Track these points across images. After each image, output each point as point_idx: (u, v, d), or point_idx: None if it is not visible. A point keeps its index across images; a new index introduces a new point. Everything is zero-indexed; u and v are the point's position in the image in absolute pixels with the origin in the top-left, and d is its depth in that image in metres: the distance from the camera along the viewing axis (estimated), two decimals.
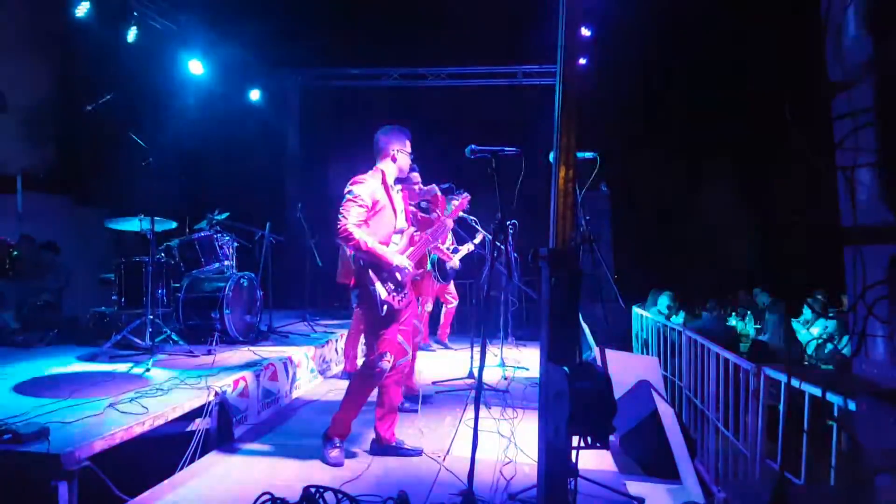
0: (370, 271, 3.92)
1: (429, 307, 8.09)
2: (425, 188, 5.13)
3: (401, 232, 4.16)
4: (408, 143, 4.19)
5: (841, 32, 1.79)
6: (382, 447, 4.20)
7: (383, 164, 4.13)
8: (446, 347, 8.15)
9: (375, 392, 4.19)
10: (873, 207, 1.79)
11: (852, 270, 1.89)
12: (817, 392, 3.27)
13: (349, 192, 3.93)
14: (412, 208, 5.07)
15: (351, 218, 3.85)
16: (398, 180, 4.22)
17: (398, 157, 4.13)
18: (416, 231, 4.37)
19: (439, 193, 5.13)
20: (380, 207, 3.99)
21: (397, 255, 4.01)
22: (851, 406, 2.14)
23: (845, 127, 1.80)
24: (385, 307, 3.92)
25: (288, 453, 4.21)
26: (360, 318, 5.67)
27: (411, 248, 4.19)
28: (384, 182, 4.07)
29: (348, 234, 3.81)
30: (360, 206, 3.89)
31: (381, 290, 3.90)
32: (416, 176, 5.19)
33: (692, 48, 10.38)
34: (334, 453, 4.03)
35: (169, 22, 8.45)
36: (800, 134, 1.75)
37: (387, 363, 4.00)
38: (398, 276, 3.98)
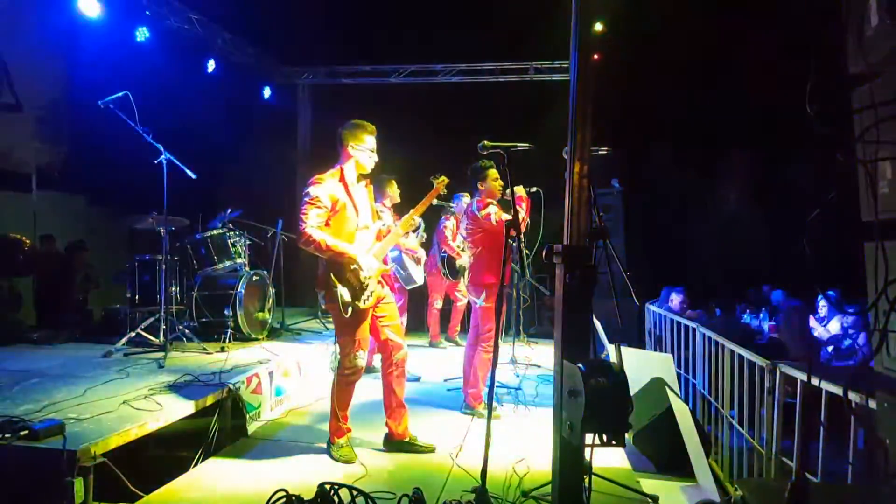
0: (332, 274, 3.86)
1: (438, 304, 8.09)
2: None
3: (365, 229, 4.07)
4: (367, 139, 4.03)
5: (863, 23, 1.76)
6: (395, 442, 4.21)
7: (343, 161, 4.03)
8: (456, 344, 8.14)
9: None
10: (895, 201, 1.76)
11: (873, 266, 1.85)
12: (835, 389, 3.23)
13: (306, 194, 3.85)
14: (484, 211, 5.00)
15: (309, 221, 3.78)
16: (364, 176, 4.14)
17: (354, 153, 4.01)
18: (384, 226, 4.31)
19: (524, 194, 5.04)
20: (339, 207, 3.91)
21: (362, 252, 3.94)
22: (871, 404, 2.10)
23: (867, 120, 1.76)
24: (350, 309, 3.87)
25: (302, 450, 4.22)
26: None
27: (378, 244, 4.12)
28: (342, 180, 3.97)
29: (308, 237, 3.76)
30: (319, 207, 3.82)
31: (342, 293, 3.85)
32: (493, 172, 5.06)
33: (707, 42, 10.29)
34: (343, 451, 4.04)
35: (180, 20, 8.48)
36: (820, 127, 1.72)
37: (361, 361, 4.00)
38: (361, 275, 3.91)
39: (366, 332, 4.04)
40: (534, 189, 4.99)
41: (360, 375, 4.09)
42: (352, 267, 3.88)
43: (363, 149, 4.03)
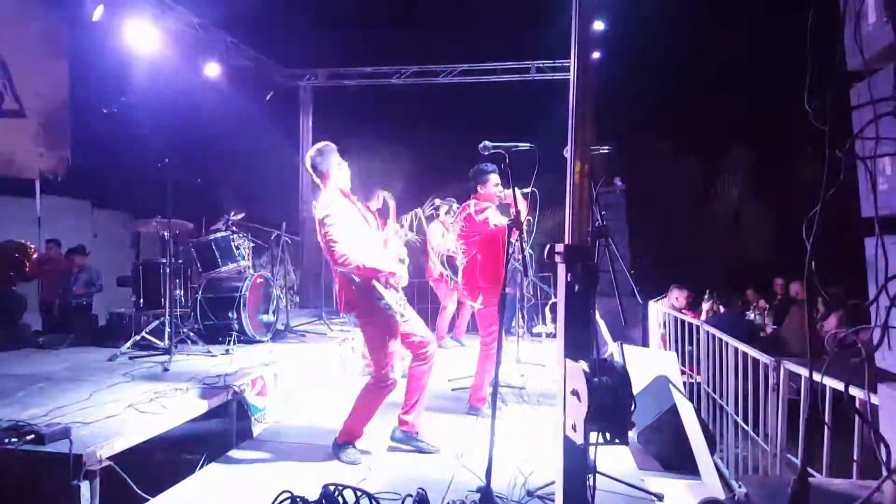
0: (376, 285, 3.89)
1: (451, 308, 8.07)
2: (505, 191, 5.01)
3: (376, 240, 4.12)
4: (338, 155, 4.12)
5: (860, 19, 1.76)
6: (405, 434, 4.22)
7: (335, 181, 4.07)
8: (461, 345, 8.14)
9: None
10: (895, 198, 1.76)
11: (874, 262, 1.85)
12: (838, 385, 3.22)
13: (327, 216, 3.86)
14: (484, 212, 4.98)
15: (344, 242, 3.81)
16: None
17: (342, 167, 4.09)
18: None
19: (519, 197, 5.01)
20: (356, 224, 3.98)
21: (392, 264, 4.01)
22: (874, 399, 2.11)
23: (865, 116, 1.77)
24: (398, 315, 3.93)
25: (307, 452, 4.23)
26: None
27: (386, 251, 4.17)
28: (347, 196, 4.06)
29: (347, 258, 3.78)
30: (343, 228, 3.86)
31: (391, 301, 3.90)
32: (494, 177, 5.02)
33: (707, 41, 10.29)
34: (349, 452, 4.05)
35: (183, 24, 8.50)
36: (819, 124, 1.72)
37: (397, 373, 4.02)
38: (394, 282, 3.98)
39: (399, 342, 4.07)
40: (528, 189, 4.98)
41: (394, 387, 4.08)
42: (392, 279, 3.95)
43: (344, 168, 4.13)
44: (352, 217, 3.99)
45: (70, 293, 8.05)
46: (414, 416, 4.22)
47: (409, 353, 4.23)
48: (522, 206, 4.92)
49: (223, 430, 4.28)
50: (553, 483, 3.15)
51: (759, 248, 11.47)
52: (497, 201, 5.04)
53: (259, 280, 6.61)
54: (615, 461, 3.99)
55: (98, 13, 6.82)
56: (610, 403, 2.43)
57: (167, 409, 3.96)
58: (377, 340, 4.01)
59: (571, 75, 2.87)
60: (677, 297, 8.27)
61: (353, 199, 4.15)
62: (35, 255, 7.25)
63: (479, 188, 5.06)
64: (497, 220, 4.87)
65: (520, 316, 7.81)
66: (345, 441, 4.10)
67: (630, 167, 10.15)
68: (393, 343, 3.99)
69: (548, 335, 8.80)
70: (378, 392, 4.06)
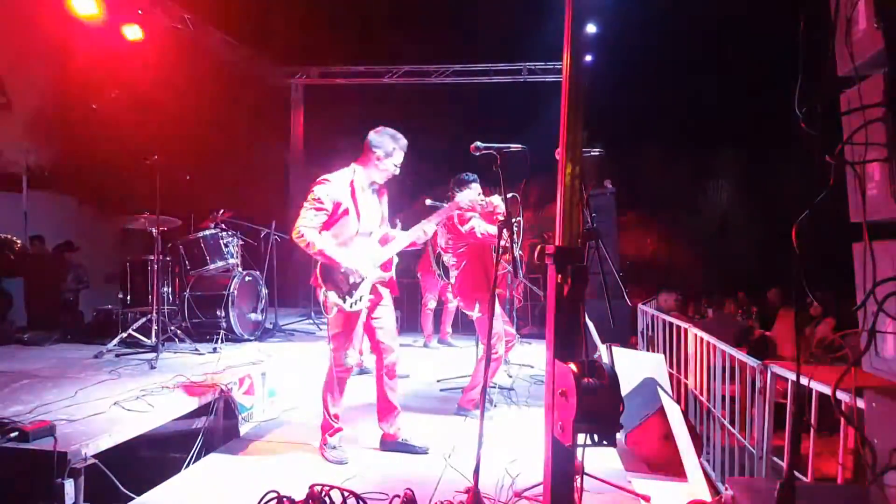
0: (320, 275, 3.87)
1: (432, 305, 8.06)
2: (487, 199, 4.98)
3: (367, 234, 4.03)
4: (397, 154, 4.00)
5: (850, 25, 1.77)
6: (389, 443, 4.21)
7: (360, 164, 4.00)
8: (448, 345, 8.11)
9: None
10: (883, 203, 1.77)
11: (862, 267, 1.87)
12: (825, 389, 3.25)
13: (311, 191, 3.86)
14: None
15: (307, 221, 3.79)
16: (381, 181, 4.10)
17: (379, 163, 3.96)
18: (389, 232, 4.29)
19: (501, 206, 4.96)
20: (342, 211, 3.89)
21: (350, 259, 3.89)
22: (860, 403, 2.12)
23: (855, 122, 1.78)
24: (333, 309, 3.88)
25: (294, 451, 4.21)
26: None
27: (381, 249, 4.10)
28: (351, 184, 3.94)
29: (301, 236, 3.78)
30: (319, 209, 3.81)
31: (328, 293, 3.86)
32: (476, 186, 4.97)
33: (698, 45, 10.34)
34: (335, 452, 4.04)
35: (174, 20, 8.46)
36: (809, 129, 1.73)
37: (350, 359, 4.03)
38: (350, 279, 3.90)
39: (356, 333, 4.05)
40: (510, 195, 4.95)
41: (349, 373, 4.12)
42: (341, 270, 3.88)
43: (388, 162, 3.99)
44: (340, 204, 3.88)
45: (57, 289, 7.97)
46: (388, 425, 4.22)
47: (374, 353, 4.25)
48: (503, 209, 4.89)
49: (210, 429, 4.26)
50: (541, 484, 3.15)
51: (749, 251, 11.54)
52: (480, 210, 5.01)
53: (247, 278, 6.58)
54: (602, 462, 3.99)
55: (85, 4, 6.75)
56: (598, 405, 2.43)
57: (153, 407, 3.94)
58: (328, 323, 4.04)
59: (563, 77, 2.87)
60: (666, 299, 8.31)
61: (365, 191, 4.01)
62: (20, 251, 7.19)
63: None
64: (483, 228, 4.84)
65: (510, 316, 7.79)
66: (326, 439, 4.09)
67: (620, 170, 10.19)
68: (343, 331, 3.98)
69: (536, 336, 8.80)
70: (332, 378, 4.07)
